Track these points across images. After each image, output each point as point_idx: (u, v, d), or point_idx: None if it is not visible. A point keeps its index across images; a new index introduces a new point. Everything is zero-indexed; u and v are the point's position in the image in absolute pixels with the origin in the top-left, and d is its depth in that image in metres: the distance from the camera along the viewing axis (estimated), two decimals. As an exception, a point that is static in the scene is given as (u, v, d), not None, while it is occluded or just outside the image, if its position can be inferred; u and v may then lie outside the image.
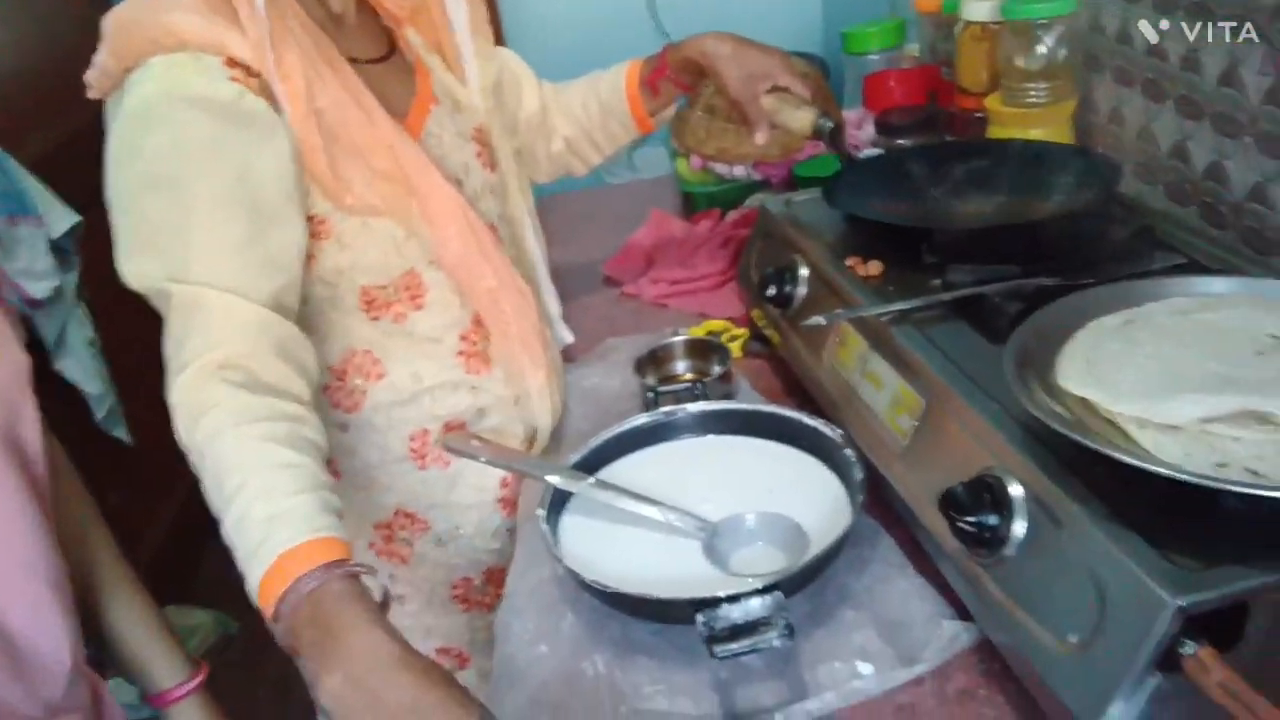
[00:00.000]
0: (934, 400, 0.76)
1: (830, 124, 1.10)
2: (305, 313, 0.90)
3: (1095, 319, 0.72)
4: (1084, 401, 0.64)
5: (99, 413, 1.97)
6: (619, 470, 0.92)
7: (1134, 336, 0.68)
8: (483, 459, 0.89)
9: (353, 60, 0.90)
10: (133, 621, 0.89)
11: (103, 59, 0.83)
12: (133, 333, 2.24)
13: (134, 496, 2.22)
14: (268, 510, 0.68)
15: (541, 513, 0.84)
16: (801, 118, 1.11)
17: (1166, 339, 0.67)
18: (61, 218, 1.85)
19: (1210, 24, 0.99)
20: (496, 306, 0.98)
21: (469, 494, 1.01)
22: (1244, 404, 0.58)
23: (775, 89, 1.09)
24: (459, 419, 0.99)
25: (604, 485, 0.86)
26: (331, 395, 0.95)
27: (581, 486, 0.86)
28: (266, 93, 0.83)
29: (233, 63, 0.82)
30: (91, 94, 0.86)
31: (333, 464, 0.98)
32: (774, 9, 2.52)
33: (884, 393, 0.83)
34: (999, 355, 0.71)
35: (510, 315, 0.98)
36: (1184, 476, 0.55)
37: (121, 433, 2.05)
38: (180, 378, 0.76)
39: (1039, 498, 0.63)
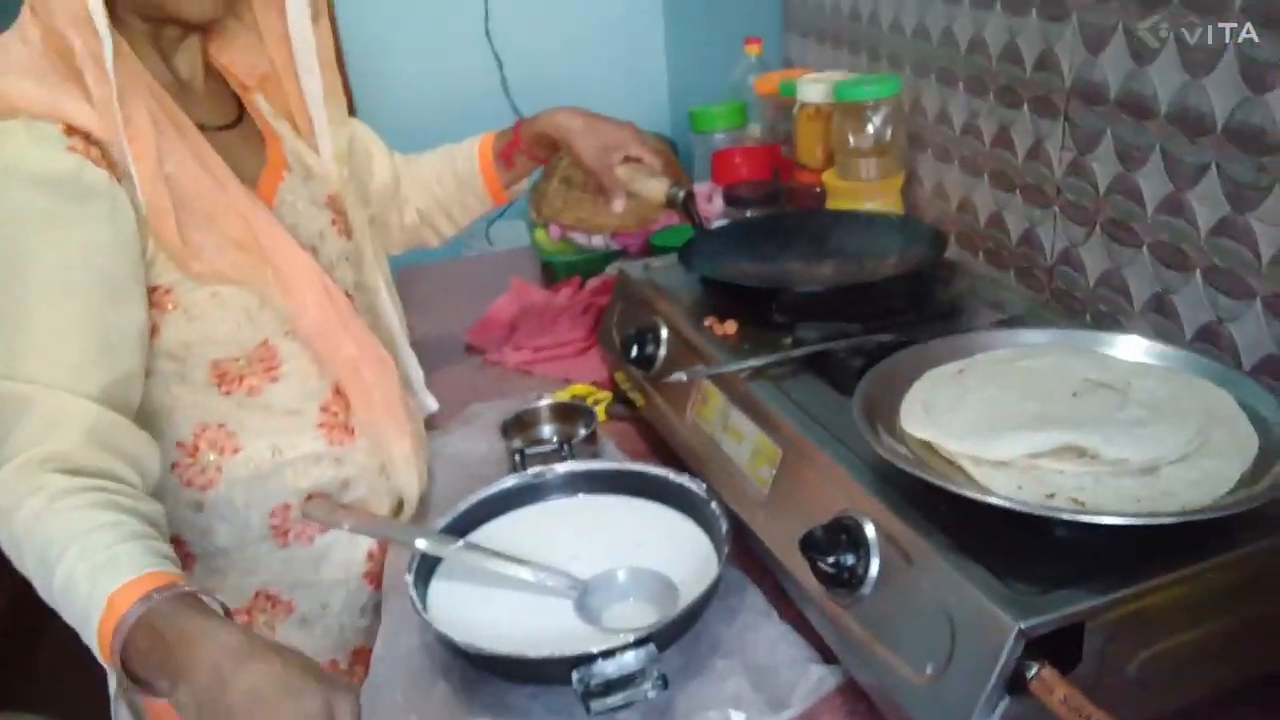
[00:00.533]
0: (790, 450, 0.80)
1: (682, 192, 1.15)
2: (149, 387, 0.87)
3: (931, 369, 0.78)
4: (925, 443, 0.69)
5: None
6: (488, 533, 0.92)
7: (965, 383, 0.74)
8: (347, 526, 0.87)
9: (201, 126, 0.88)
10: None
11: None
12: None
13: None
14: (90, 565, 0.67)
15: (409, 578, 0.83)
16: (655, 186, 1.16)
17: (993, 384, 0.73)
18: None
19: (1017, 106, 1.11)
20: (357, 375, 0.96)
21: (336, 570, 0.98)
22: (1064, 439, 0.64)
23: (628, 159, 1.14)
24: (322, 492, 0.96)
25: (473, 548, 0.86)
26: (183, 473, 0.91)
27: (450, 550, 0.85)
28: (108, 161, 0.80)
29: (71, 130, 0.78)
30: None
31: (185, 546, 0.93)
32: (623, 90, 2.62)
33: (744, 445, 0.87)
34: (848, 405, 0.76)
35: (372, 383, 0.97)
36: (1016, 507, 0.60)
37: None
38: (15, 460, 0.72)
39: (891, 536, 0.67)
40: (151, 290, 0.84)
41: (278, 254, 0.88)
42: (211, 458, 0.91)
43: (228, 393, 0.90)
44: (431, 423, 1.18)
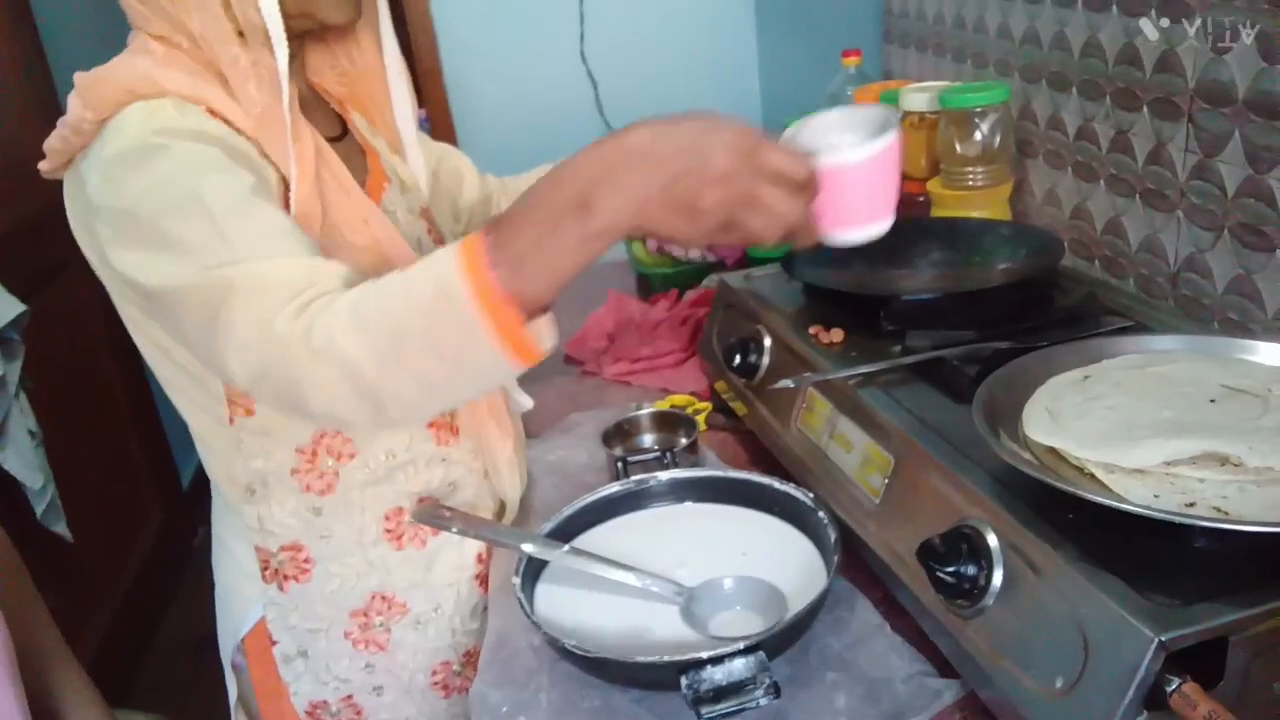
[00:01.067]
0: (904, 457, 0.78)
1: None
2: None
3: (1054, 375, 0.76)
4: (1052, 451, 0.67)
5: (39, 508, 1.90)
6: (593, 539, 0.92)
7: (1093, 390, 0.71)
8: (455, 529, 0.88)
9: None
10: (78, 704, 0.86)
11: (74, 115, 0.80)
12: (74, 426, 2.21)
13: (73, 597, 2.13)
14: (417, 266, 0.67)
15: (516, 580, 0.83)
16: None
17: (1124, 391, 0.70)
18: (6, 306, 1.81)
19: (1136, 109, 1.07)
20: None
21: (447, 572, 0.99)
22: (1205, 446, 0.61)
23: None
24: (432, 495, 0.98)
25: (579, 552, 0.86)
26: (303, 478, 0.93)
27: (556, 554, 0.85)
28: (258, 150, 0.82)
29: (214, 114, 0.81)
30: (49, 163, 0.83)
31: (304, 550, 0.95)
32: (715, 104, 2.62)
33: (853, 454, 0.85)
34: (962, 412, 0.74)
35: None
36: (1157, 514, 0.57)
37: (62, 528, 1.98)
38: (285, 310, 0.69)
39: (1015, 545, 0.64)
40: None
41: (395, 257, 0.90)
42: (330, 463, 0.93)
43: None
44: (530, 431, 1.19)
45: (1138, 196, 1.09)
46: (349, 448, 0.93)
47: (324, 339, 0.66)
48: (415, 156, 1.04)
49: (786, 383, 0.89)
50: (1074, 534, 0.62)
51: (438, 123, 2.63)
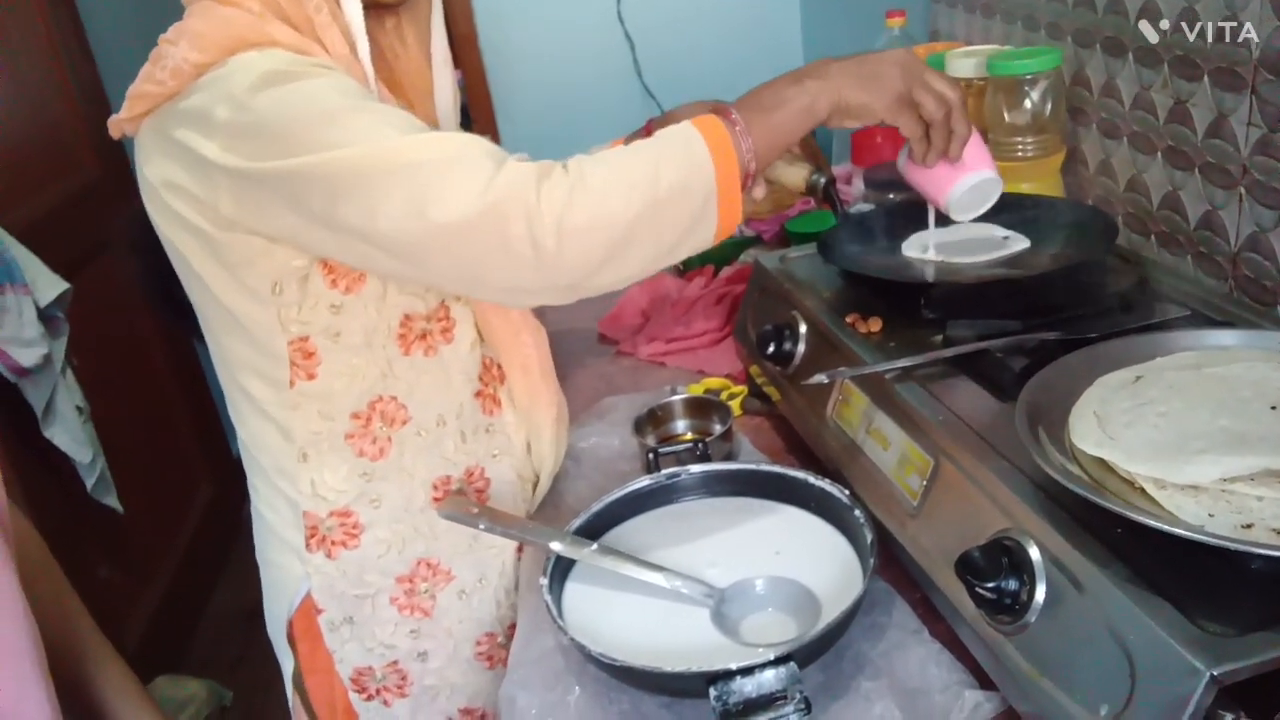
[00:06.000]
0: (943, 459, 0.75)
1: (823, 179, 1.10)
2: (333, 355, 0.89)
3: (1103, 375, 0.72)
4: (1100, 460, 0.63)
5: (89, 481, 1.95)
6: (622, 534, 0.91)
7: (1144, 394, 0.67)
8: (481, 526, 0.87)
9: None
10: (116, 692, 0.87)
11: (176, 60, 0.80)
12: (121, 400, 2.25)
13: (126, 567, 2.18)
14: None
15: (544, 581, 0.82)
16: (795, 173, 1.11)
17: (1178, 396, 0.66)
18: (49, 285, 1.84)
19: (1197, 79, 1.01)
20: (518, 340, 0.98)
21: (492, 540, 0.99)
22: (1265, 463, 0.57)
23: None
24: (478, 464, 0.99)
25: (607, 551, 0.84)
26: (356, 443, 0.93)
27: (585, 553, 0.84)
28: None
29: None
30: (132, 109, 0.84)
31: (354, 515, 0.95)
32: (757, 69, 2.54)
33: (891, 451, 0.82)
34: (1006, 411, 0.71)
35: (530, 349, 0.99)
36: (1210, 540, 0.53)
37: (113, 501, 2.02)
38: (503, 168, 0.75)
39: (1059, 560, 0.62)
40: None
41: None
42: (383, 428, 0.93)
43: (406, 351, 0.92)
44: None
45: (1197, 171, 1.04)
46: (402, 414, 0.94)
47: (585, 205, 0.74)
48: None
49: (820, 378, 0.86)
50: (1122, 551, 0.59)
51: (473, 88, 2.59)
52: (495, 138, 2.62)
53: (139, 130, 0.86)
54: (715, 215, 0.78)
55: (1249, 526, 0.55)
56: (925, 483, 0.77)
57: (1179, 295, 0.90)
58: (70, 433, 1.89)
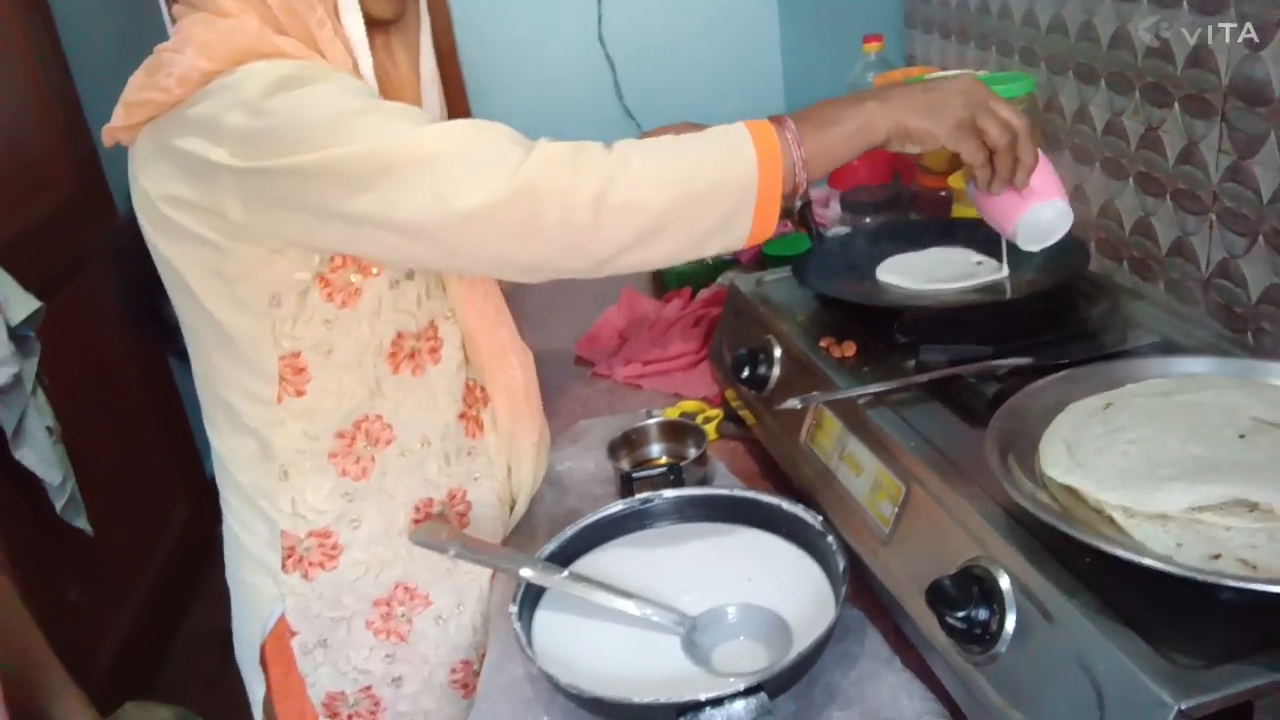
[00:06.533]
0: (915, 486, 0.75)
1: (799, 202, 1.10)
2: (323, 370, 0.88)
3: (1074, 401, 0.72)
4: (1070, 488, 0.63)
5: (59, 503, 1.91)
6: (594, 561, 0.90)
7: (1115, 420, 0.67)
8: (452, 552, 0.86)
9: None
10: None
11: (183, 67, 0.80)
12: (95, 420, 2.22)
13: (97, 590, 2.14)
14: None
15: (514, 609, 0.81)
16: (770, 198, 1.11)
17: (1148, 422, 0.66)
18: (21, 303, 1.81)
19: (1167, 105, 1.02)
20: (505, 362, 0.98)
21: (472, 566, 0.97)
22: (1233, 492, 0.57)
23: None
24: (460, 487, 0.98)
25: (578, 579, 0.83)
26: (340, 462, 0.92)
27: (555, 581, 0.83)
28: None
29: None
30: (131, 117, 0.83)
31: (333, 536, 0.94)
32: (737, 91, 2.57)
33: (863, 478, 0.81)
34: (977, 437, 0.70)
35: (517, 371, 0.99)
36: (1175, 571, 0.53)
37: (83, 523, 1.99)
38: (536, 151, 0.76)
39: (1028, 589, 0.61)
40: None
41: None
42: (367, 448, 0.92)
43: (395, 370, 0.92)
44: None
45: (1168, 197, 1.04)
46: (387, 433, 0.93)
47: (624, 185, 0.74)
48: None
49: (793, 403, 0.86)
50: (1092, 581, 0.59)
51: (453, 103, 2.56)
52: (475, 157, 2.62)
53: (136, 139, 0.85)
54: (750, 218, 0.78)
55: (1217, 557, 0.55)
56: (897, 509, 0.76)
57: (1151, 321, 0.91)
58: (40, 454, 1.86)
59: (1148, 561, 0.54)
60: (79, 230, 2.22)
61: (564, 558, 0.88)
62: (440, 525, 0.89)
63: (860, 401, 0.84)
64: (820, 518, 0.85)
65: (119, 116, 0.84)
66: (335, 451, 0.92)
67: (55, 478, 1.88)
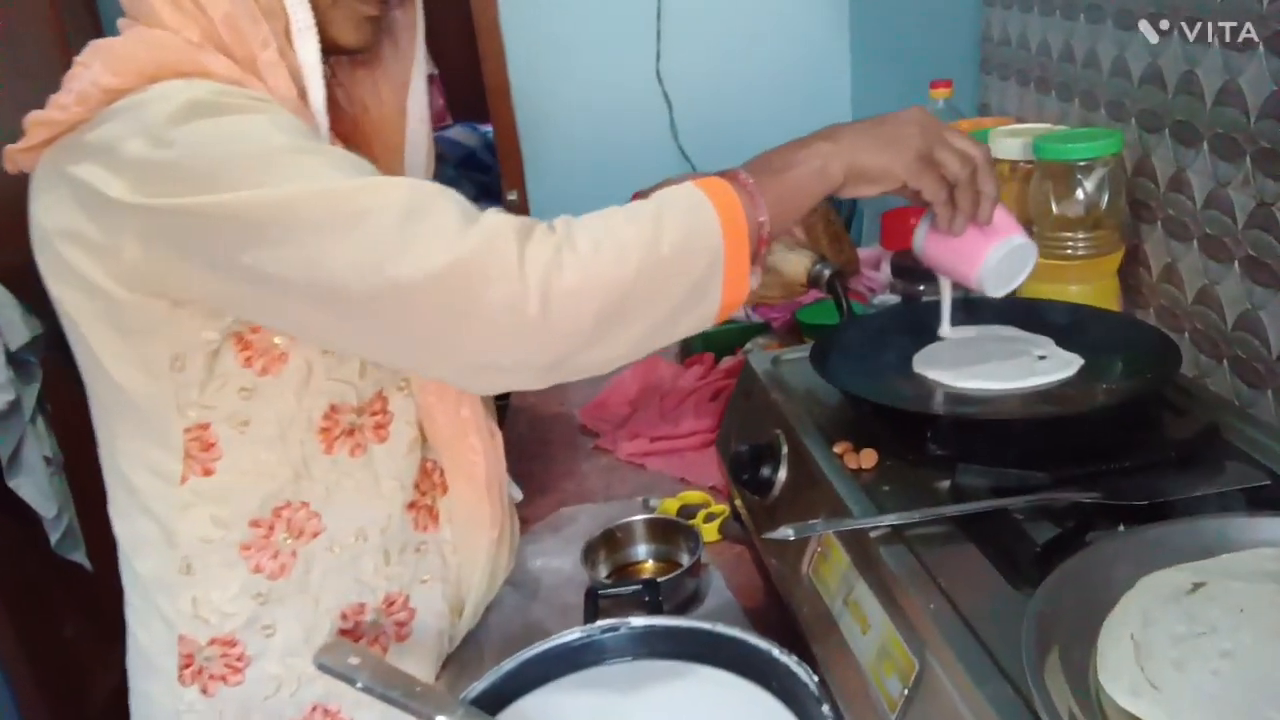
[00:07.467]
0: (930, 664, 0.57)
1: (827, 270, 0.95)
2: (238, 445, 0.76)
3: (1150, 573, 0.53)
4: (1131, 716, 0.45)
5: (54, 536, 1.83)
6: (537, 704, 0.73)
7: (1203, 614, 0.49)
8: (359, 684, 0.70)
9: None
10: None
11: (84, 82, 0.71)
12: (97, 452, 2.14)
13: (94, 627, 2.06)
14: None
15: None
16: (795, 261, 0.96)
17: (1249, 624, 0.47)
18: (23, 327, 1.75)
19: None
20: (464, 443, 0.85)
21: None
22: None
23: None
24: (401, 591, 0.84)
25: (507, 734, 0.67)
26: (252, 555, 0.79)
27: (478, 732, 0.67)
28: None
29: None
30: (32, 138, 0.73)
31: (239, 646, 0.80)
32: (801, 133, 2.40)
33: (870, 637, 0.64)
34: (1018, 604, 0.53)
35: (478, 455, 0.85)
36: None
37: (80, 557, 1.91)
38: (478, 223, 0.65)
39: None
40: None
41: None
42: (287, 540, 0.79)
43: (329, 449, 0.79)
44: (522, 516, 1.01)
45: (1284, 288, 0.85)
46: (314, 524, 0.80)
47: (572, 268, 0.63)
48: None
49: (786, 532, 0.68)
50: None
51: (504, 140, 2.50)
52: (523, 192, 2.52)
53: (36, 165, 0.75)
54: (720, 287, 0.67)
55: None
56: (907, 691, 0.58)
57: (1259, 450, 0.71)
58: (36, 484, 1.78)
59: None
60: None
61: (498, 698, 0.72)
62: (348, 646, 0.74)
63: (873, 534, 0.67)
64: (816, 678, 0.67)
65: (23, 138, 0.74)
66: (248, 543, 0.78)
67: (50, 510, 1.80)
